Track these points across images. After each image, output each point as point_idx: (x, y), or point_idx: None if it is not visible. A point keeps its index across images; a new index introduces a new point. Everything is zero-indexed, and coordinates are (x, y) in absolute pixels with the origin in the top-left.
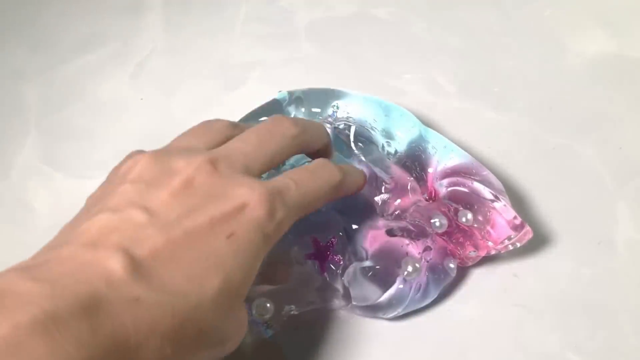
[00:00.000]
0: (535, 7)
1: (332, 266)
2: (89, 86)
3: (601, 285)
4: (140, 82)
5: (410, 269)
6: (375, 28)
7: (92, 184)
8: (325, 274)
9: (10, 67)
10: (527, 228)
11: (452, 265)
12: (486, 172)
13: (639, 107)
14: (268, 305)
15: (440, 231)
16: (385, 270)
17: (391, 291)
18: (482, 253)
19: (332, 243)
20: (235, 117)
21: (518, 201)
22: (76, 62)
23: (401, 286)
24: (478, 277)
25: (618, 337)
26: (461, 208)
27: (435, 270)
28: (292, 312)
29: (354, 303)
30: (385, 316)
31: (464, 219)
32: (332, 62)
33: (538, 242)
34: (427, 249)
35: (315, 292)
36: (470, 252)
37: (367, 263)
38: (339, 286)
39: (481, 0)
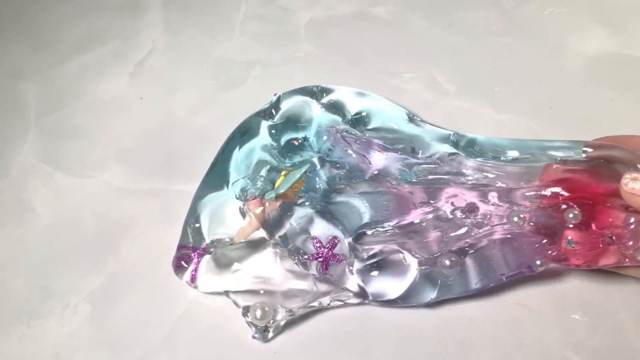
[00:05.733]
0: (535, 7)
1: (336, 265)
2: (89, 85)
3: (601, 284)
4: (140, 81)
5: (447, 262)
6: (375, 27)
7: (92, 183)
8: (329, 274)
9: (10, 66)
10: None
11: (537, 262)
12: None
13: (639, 107)
14: (266, 309)
15: (574, 222)
16: (394, 261)
17: (407, 284)
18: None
19: (334, 243)
20: (235, 116)
21: None
22: (76, 61)
23: (417, 277)
24: None
25: (618, 337)
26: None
27: (478, 259)
28: (290, 317)
29: (372, 299)
30: (411, 304)
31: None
32: (332, 61)
33: None
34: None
35: (317, 295)
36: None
37: (372, 260)
38: (349, 286)
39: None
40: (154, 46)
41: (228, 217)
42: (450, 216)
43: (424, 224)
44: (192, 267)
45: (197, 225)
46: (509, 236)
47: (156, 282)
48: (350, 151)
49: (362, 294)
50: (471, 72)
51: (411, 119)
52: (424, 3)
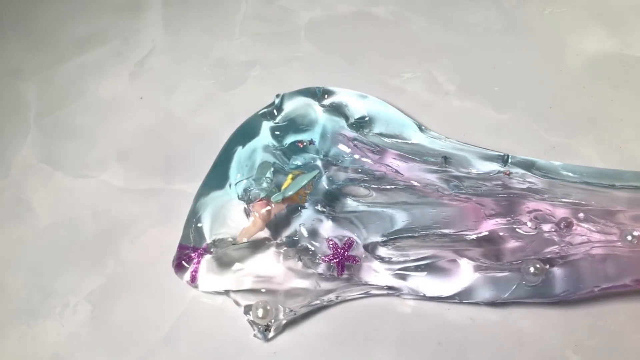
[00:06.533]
0: (535, 6)
1: (352, 266)
2: (89, 85)
3: None
4: (140, 80)
5: (531, 269)
6: (375, 27)
7: (92, 183)
8: (345, 273)
9: (10, 66)
10: None
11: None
12: None
13: (639, 106)
14: (268, 308)
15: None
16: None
17: (461, 285)
18: None
19: (349, 244)
20: (235, 116)
21: None
22: (76, 61)
23: (477, 279)
24: None
25: (618, 337)
26: None
27: (568, 270)
28: (291, 316)
29: (410, 293)
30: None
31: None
32: (332, 61)
33: None
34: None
35: (319, 294)
36: None
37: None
38: (376, 282)
39: None
40: (154, 46)
41: (230, 217)
42: (534, 229)
43: (501, 234)
44: (192, 266)
45: (199, 225)
46: (615, 252)
47: (156, 282)
48: (365, 159)
49: (396, 288)
50: (471, 72)
51: (421, 129)
52: (424, 3)
